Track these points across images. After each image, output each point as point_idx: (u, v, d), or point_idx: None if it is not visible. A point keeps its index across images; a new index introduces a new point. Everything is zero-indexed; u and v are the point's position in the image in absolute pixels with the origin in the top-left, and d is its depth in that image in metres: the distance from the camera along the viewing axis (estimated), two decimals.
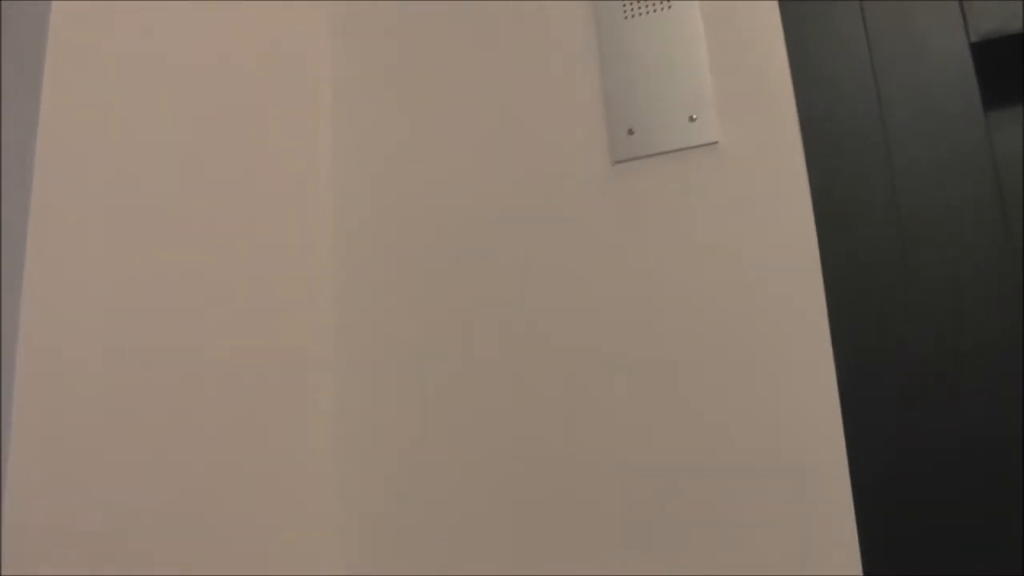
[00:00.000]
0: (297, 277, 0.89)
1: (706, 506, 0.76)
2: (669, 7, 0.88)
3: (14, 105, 0.67)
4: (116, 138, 0.72)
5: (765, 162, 0.81)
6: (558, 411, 0.83)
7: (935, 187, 0.83)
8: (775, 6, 0.86)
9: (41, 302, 0.63)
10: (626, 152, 0.86)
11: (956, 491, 0.76)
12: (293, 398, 0.85)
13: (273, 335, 0.84)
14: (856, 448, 0.77)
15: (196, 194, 0.79)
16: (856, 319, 0.82)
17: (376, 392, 0.90)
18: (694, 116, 0.85)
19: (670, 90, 0.86)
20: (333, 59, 1.01)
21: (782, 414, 0.76)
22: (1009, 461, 0.75)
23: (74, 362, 0.65)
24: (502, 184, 0.90)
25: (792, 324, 0.78)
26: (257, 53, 0.89)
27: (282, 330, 0.86)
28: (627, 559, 0.77)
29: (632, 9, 0.89)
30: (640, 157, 0.86)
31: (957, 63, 0.85)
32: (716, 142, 0.83)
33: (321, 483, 0.87)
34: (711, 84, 0.85)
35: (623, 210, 0.85)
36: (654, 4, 0.88)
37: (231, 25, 0.86)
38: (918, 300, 0.81)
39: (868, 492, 0.76)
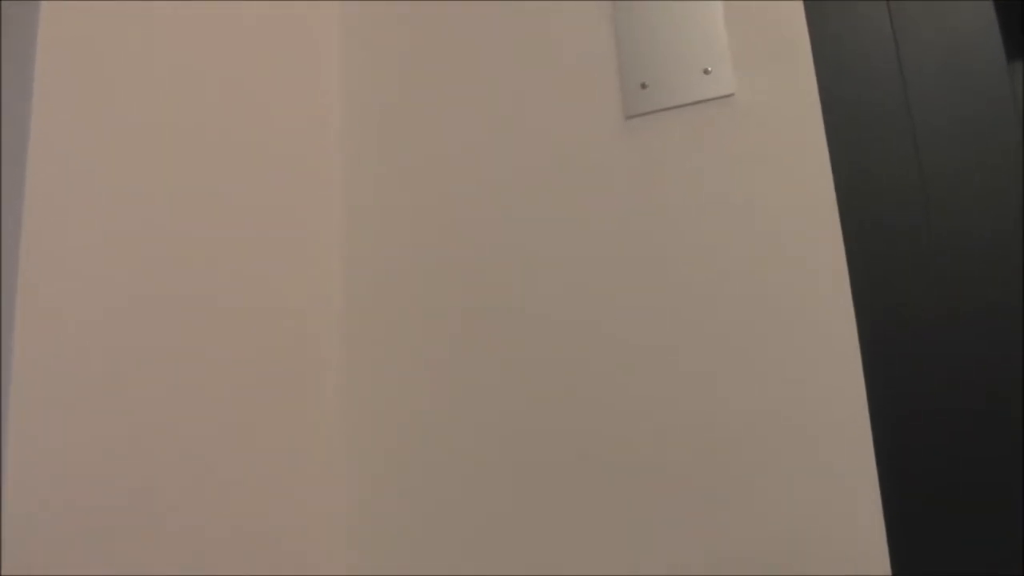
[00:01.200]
0: (305, 272, 0.87)
1: (723, 469, 0.74)
2: None
3: (10, 104, 0.64)
4: (115, 135, 0.70)
5: (782, 115, 0.79)
6: (575, 387, 0.81)
7: (958, 141, 0.81)
8: None
9: (39, 300, 0.61)
10: (639, 106, 0.84)
11: (982, 461, 0.74)
12: (299, 397, 0.83)
13: (279, 334, 0.82)
14: (878, 403, 0.75)
15: (202, 192, 0.76)
16: (877, 276, 0.80)
17: (385, 384, 0.88)
18: (709, 69, 0.83)
19: (684, 43, 0.84)
20: (341, 40, 0.99)
21: (802, 373, 0.74)
22: None
23: (74, 360, 0.63)
24: (515, 141, 0.88)
25: (810, 281, 0.76)
26: (264, 51, 0.87)
27: (289, 329, 0.84)
28: (639, 553, 0.75)
29: None
30: (654, 111, 0.84)
31: (979, 14, 0.83)
32: (732, 94, 0.81)
33: (327, 482, 0.85)
34: (726, 36, 0.83)
35: (636, 165, 0.83)
36: None
37: (240, 23, 0.84)
38: (941, 259, 0.79)
39: (889, 453, 0.74)
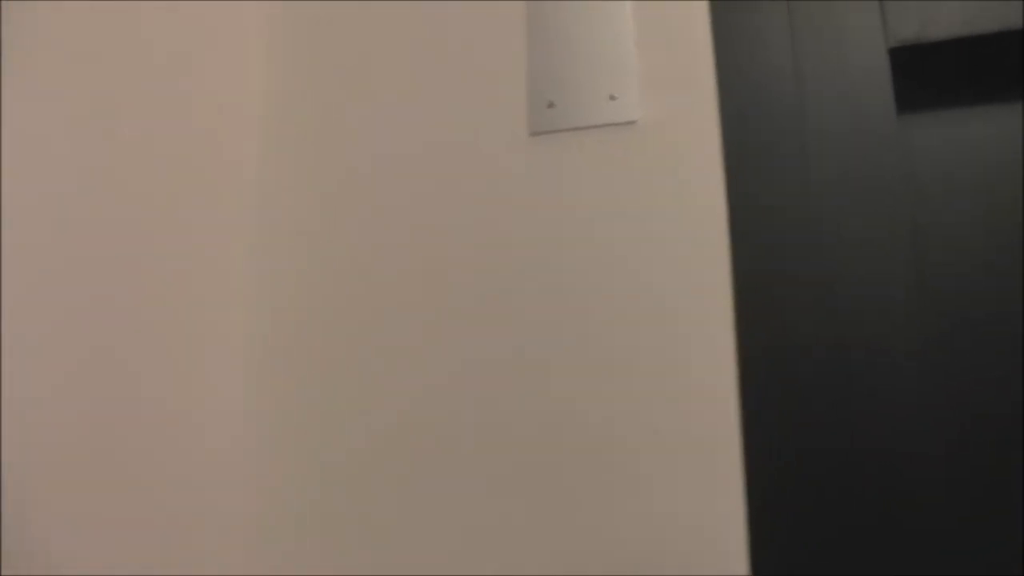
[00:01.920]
0: (211, 273, 0.85)
1: (598, 472, 0.75)
2: None
3: None
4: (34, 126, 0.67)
5: (681, 143, 0.81)
6: (466, 392, 0.80)
7: (849, 180, 0.84)
8: None
9: None
10: (544, 124, 0.85)
11: (857, 483, 0.76)
12: (198, 392, 0.81)
13: (180, 334, 0.79)
14: (752, 436, 0.76)
15: (108, 184, 0.73)
16: (762, 306, 0.81)
17: (290, 383, 0.86)
18: (615, 95, 0.84)
19: (594, 66, 0.85)
20: (263, 47, 0.97)
21: (679, 388, 0.75)
22: (903, 459, 0.76)
23: None
24: (421, 148, 0.88)
25: (695, 305, 0.77)
26: (181, 46, 0.84)
27: (190, 328, 0.81)
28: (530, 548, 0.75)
29: None
30: (558, 131, 0.84)
31: (874, 65, 0.86)
32: (635, 121, 0.82)
33: (232, 480, 0.82)
34: (635, 62, 0.84)
35: (537, 181, 0.83)
36: None
37: (157, 18, 0.82)
38: (826, 291, 0.81)
39: (761, 475, 0.76)
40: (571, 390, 0.77)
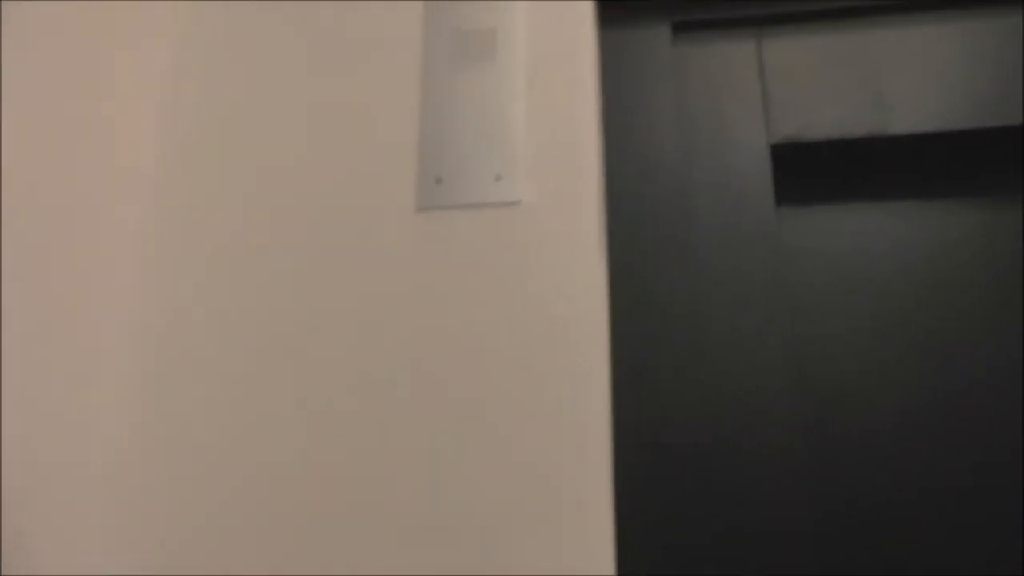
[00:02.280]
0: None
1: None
2: (493, 62, 0.88)
3: None
4: None
5: (564, 227, 0.81)
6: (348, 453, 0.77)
7: (728, 273, 0.85)
8: (595, 75, 0.87)
9: None
10: (430, 200, 0.84)
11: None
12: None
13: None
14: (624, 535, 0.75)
15: None
16: (639, 395, 0.81)
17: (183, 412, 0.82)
18: (501, 175, 0.84)
19: (481, 146, 0.85)
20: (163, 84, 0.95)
21: (551, 465, 0.73)
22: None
23: None
24: (309, 216, 0.86)
25: (572, 387, 0.76)
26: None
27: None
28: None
29: (457, 60, 0.89)
30: (445, 207, 0.84)
31: (757, 160, 0.89)
32: (519, 201, 0.82)
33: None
34: (523, 145, 0.85)
35: (421, 256, 0.82)
36: (478, 57, 0.88)
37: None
38: (706, 381, 0.81)
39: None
40: (441, 465, 0.75)
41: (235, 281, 0.85)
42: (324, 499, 0.76)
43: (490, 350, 0.78)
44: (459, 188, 0.84)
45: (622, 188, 0.89)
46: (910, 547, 0.77)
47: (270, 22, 0.95)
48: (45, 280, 0.81)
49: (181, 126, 0.92)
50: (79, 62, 0.89)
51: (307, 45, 0.93)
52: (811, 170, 0.91)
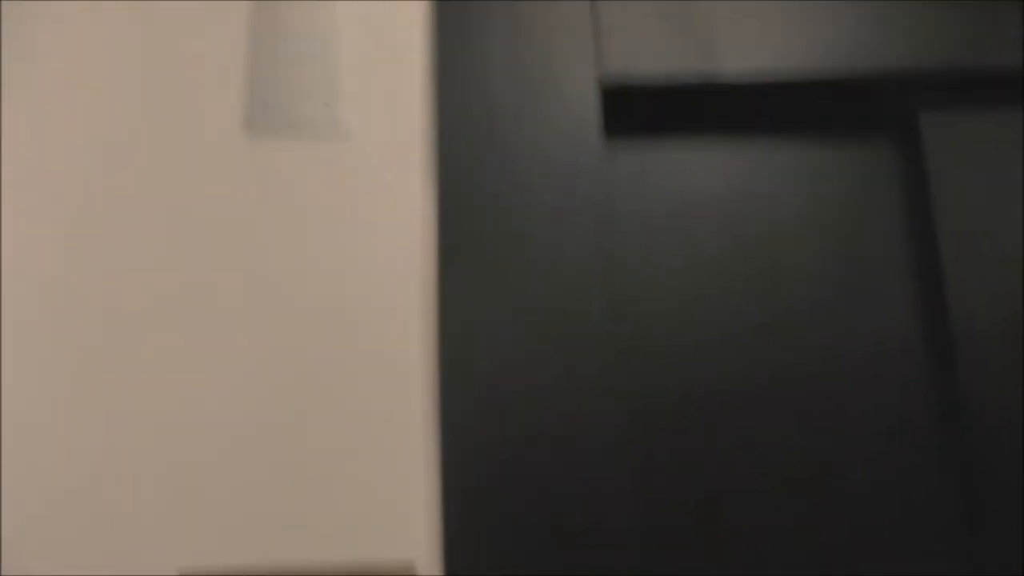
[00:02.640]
0: None
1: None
2: None
3: None
4: None
5: (389, 157, 0.80)
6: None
7: (554, 209, 0.85)
8: (427, 8, 0.86)
9: None
10: (258, 124, 0.81)
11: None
12: None
13: None
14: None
15: None
16: (467, 341, 0.80)
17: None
18: (329, 102, 0.82)
19: (310, 73, 0.83)
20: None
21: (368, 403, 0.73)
22: None
23: None
24: (137, 141, 0.82)
25: (392, 329, 0.75)
26: None
27: None
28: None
29: None
30: (270, 131, 0.82)
31: (585, 96, 0.90)
32: (345, 129, 0.81)
33: None
34: (350, 74, 0.83)
35: (247, 181, 0.80)
36: None
37: None
38: (530, 318, 0.81)
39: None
40: (254, 413, 0.73)
41: (73, 202, 0.80)
42: (142, 444, 0.73)
43: (308, 280, 0.77)
44: (285, 113, 0.82)
45: (451, 123, 0.88)
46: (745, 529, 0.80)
47: None
48: None
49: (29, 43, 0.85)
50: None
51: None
52: (640, 108, 0.93)
